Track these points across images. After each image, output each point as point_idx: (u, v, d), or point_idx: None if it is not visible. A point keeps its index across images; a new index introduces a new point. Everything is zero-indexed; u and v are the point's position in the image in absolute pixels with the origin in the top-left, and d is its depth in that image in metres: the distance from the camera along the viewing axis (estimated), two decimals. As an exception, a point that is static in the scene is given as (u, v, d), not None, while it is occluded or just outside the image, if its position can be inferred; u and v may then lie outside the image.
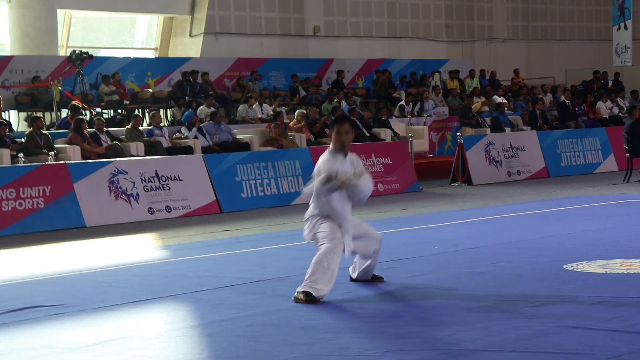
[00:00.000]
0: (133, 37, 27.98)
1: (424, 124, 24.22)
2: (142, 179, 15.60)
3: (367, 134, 21.50)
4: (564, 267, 8.88)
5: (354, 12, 29.41)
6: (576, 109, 25.82)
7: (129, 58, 24.88)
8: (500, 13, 32.85)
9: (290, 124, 21.00)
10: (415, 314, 7.16)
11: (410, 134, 21.17)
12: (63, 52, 24.77)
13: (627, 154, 19.03)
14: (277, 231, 13.21)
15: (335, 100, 23.77)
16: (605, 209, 14.11)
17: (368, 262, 8.39)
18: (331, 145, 8.01)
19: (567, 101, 25.74)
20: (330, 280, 7.68)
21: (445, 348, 6.02)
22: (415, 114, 24.82)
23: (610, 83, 29.80)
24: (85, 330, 7.10)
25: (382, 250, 8.52)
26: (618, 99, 27.48)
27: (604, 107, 26.89)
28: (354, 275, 8.55)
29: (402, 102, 25.34)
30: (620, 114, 26.16)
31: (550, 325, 6.51)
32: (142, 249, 12.20)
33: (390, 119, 23.45)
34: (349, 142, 7.98)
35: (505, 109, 25.11)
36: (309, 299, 7.61)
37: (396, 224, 13.03)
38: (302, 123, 21.03)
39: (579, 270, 8.70)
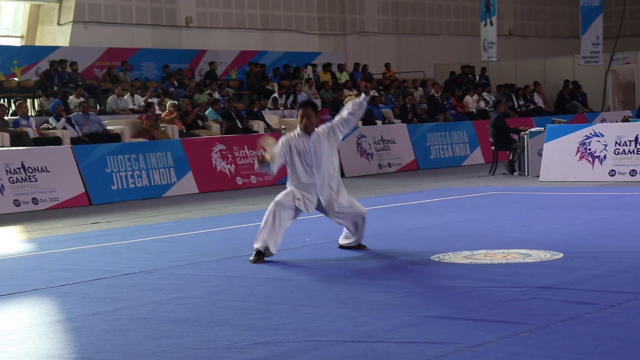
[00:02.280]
0: (-2, 24, 27.12)
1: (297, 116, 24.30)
2: (7, 170, 15.18)
3: (240, 126, 21.45)
4: (431, 258, 9.07)
5: (226, 4, 29.25)
6: (445, 102, 26.40)
7: (-7, 45, 24.13)
8: (371, 7, 33.20)
9: (162, 115, 20.76)
10: (285, 306, 7.18)
11: (283, 126, 21.20)
12: None
13: (492, 147, 19.55)
14: (147, 223, 13.05)
15: (207, 91, 23.62)
16: (472, 201, 14.48)
17: (355, 234, 9.70)
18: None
19: (436, 95, 26.30)
20: (269, 233, 9.06)
21: (313, 339, 6.06)
22: (289, 106, 24.89)
23: (477, 78, 30.56)
24: (-56, 327, 6.86)
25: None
26: (484, 93, 28.24)
27: (472, 101, 27.58)
28: (343, 243, 9.80)
29: (275, 94, 25.38)
30: (486, 108, 26.88)
31: (416, 315, 6.64)
32: (6, 242, 11.85)
33: (263, 111, 23.45)
34: (311, 124, 9.33)
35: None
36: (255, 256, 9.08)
37: (268, 216, 13.03)
38: (174, 114, 20.82)
39: (445, 261, 8.90)
